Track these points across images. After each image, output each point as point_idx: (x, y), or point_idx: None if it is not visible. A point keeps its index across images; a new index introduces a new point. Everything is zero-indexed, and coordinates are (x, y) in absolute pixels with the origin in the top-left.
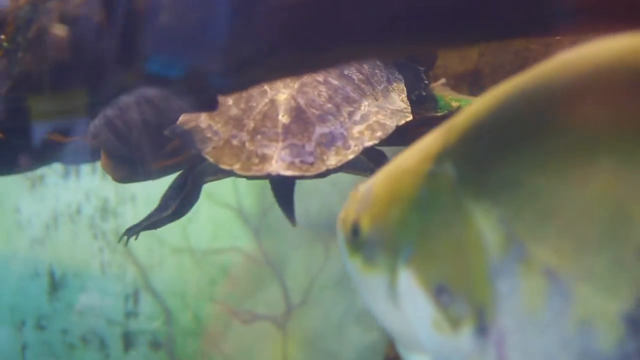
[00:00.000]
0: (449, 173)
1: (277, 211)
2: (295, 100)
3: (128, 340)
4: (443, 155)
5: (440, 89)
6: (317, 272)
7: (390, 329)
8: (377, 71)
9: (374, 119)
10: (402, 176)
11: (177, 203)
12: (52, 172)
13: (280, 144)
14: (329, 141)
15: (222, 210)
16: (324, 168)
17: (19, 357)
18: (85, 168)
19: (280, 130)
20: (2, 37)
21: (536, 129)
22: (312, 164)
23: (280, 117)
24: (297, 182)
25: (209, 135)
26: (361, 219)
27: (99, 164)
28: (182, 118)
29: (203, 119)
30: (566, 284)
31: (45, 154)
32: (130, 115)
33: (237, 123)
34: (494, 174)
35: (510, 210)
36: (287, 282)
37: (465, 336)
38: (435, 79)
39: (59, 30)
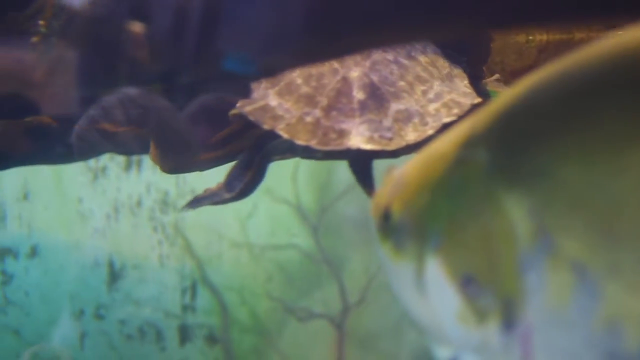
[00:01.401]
0: (481, 160)
1: (336, 209)
2: (368, 77)
3: (184, 334)
4: (476, 142)
5: (493, 84)
6: (375, 272)
7: (416, 319)
8: (439, 57)
9: (448, 97)
10: (433, 161)
11: (243, 184)
12: (114, 164)
13: (358, 120)
14: (405, 117)
15: (281, 206)
16: (403, 143)
17: (78, 345)
18: (147, 161)
19: (356, 106)
20: (41, 22)
21: (572, 117)
22: (390, 139)
23: (354, 93)
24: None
25: (280, 112)
26: (392, 204)
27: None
28: (242, 101)
29: (272, 97)
30: (595, 280)
31: (123, 143)
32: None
33: (309, 100)
34: (527, 162)
35: (541, 200)
36: (345, 281)
37: (491, 330)
38: (492, 75)
39: (136, 27)
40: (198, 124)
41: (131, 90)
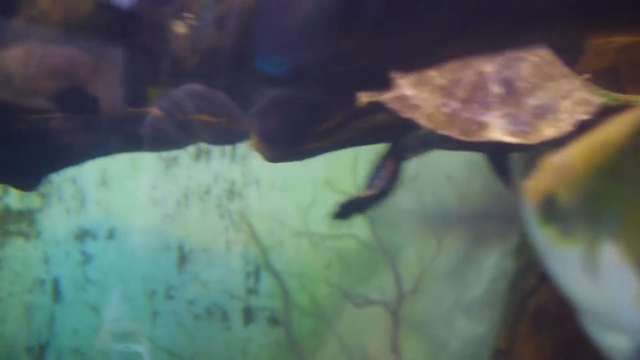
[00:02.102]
0: None
1: (393, 201)
2: (503, 72)
3: (248, 315)
4: None
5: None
6: (429, 263)
7: (583, 304)
8: (554, 57)
9: (578, 95)
10: (604, 148)
11: (383, 182)
12: (185, 153)
13: (497, 112)
14: (541, 113)
15: (341, 197)
16: (542, 138)
17: (149, 324)
18: (216, 151)
19: (494, 99)
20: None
21: None
22: (529, 133)
23: (491, 87)
24: (414, 174)
25: (417, 102)
26: (557, 189)
27: (228, 148)
28: (368, 94)
29: (407, 87)
30: None
31: (195, 132)
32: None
33: (446, 92)
34: None
35: None
36: (400, 270)
37: None
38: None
39: (180, 28)
40: (304, 115)
41: (197, 86)
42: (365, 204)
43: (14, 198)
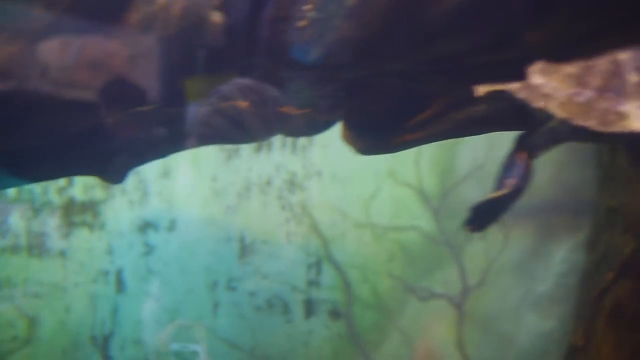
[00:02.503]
0: None
1: (458, 192)
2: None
3: (309, 308)
4: None
5: None
6: (496, 256)
7: None
8: None
9: None
10: None
11: (516, 180)
12: (246, 145)
13: (637, 102)
14: None
15: (404, 189)
16: None
17: (211, 314)
18: (277, 143)
19: (632, 88)
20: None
21: None
22: None
23: (628, 75)
24: (479, 165)
25: (548, 91)
26: None
27: (289, 139)
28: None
29: (536, 75)
30: None
31: (276, 124)
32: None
33: (578, 80)
34: None
35: None
36: (465, 263)
37: None
38: None
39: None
40: (396, 108)
41: (246, 80)
42: (500, 205)
43: (79, 190)
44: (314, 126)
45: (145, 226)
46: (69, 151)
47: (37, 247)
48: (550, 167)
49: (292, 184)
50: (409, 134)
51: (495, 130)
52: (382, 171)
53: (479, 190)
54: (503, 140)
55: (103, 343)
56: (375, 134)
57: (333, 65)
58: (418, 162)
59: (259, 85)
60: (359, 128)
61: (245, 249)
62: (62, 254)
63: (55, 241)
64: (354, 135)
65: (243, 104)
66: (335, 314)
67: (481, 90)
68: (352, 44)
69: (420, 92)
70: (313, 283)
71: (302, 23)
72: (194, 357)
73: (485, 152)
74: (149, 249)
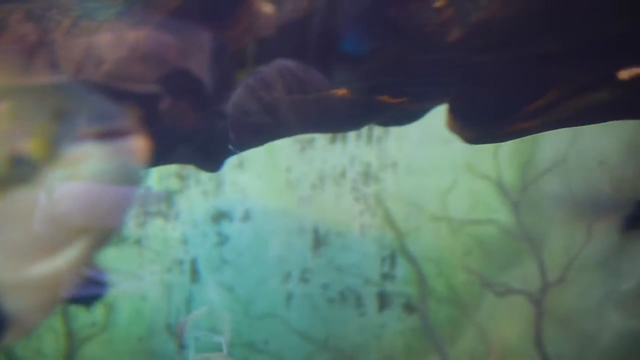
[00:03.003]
0: None
1: (539, 186)
2: None
3: (383, 301)
4: None
5: None
6: (578, 252)
7: None
8: None
9: None
10: None
11: None
12: (321, 135)
13: None
14: None
15: (482, 181)
16: None
17: (283, 306)
18: (352, 133)
19: None
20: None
21: None
22: None
23: None
24: (562, 158)
25: None
26: None
27: (364, 130)
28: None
29: None
30: None
31: (372, 113)
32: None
33: None
34: None
35: None
36: (544, 259)
37: None
38: None
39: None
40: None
41: (288, 62)
42: None
43: (154, 180)
44: (407, 115)
45: (219, 216)
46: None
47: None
48: (638, 159)
49: (367, 176)
50: (523, 122)
51: (626, 118)
52: (459, 163)
53: (561, 184)
54: (587, 132)
55: (180, 329)
56: (486, 122)
57: (470, 48)
58: (497, 154)
59: (302, 68)
60: (467, 116)
61: (318, 241)
62: (139, 242)
63: (132, 230)
64: (461, 123)
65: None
66: (409, 307)
67: (624, 74)
68: (499, 24)
69: (538, 78)
70: (387, 276)
71: (439, 3)
72: (216, 348)
73: (568, 144)
74: (222, 239)
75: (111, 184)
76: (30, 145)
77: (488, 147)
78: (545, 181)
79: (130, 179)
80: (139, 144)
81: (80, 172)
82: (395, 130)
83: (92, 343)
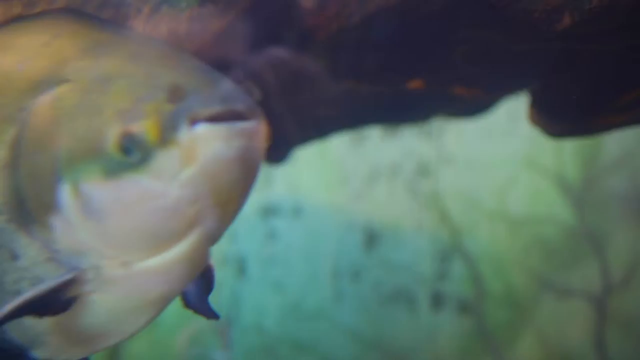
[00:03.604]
0: None
1: (604, 182)
2: None
3: (437, 301)
4: None
5: None
6: None
7: None
8: None
9: None
10: None
11: None
12: (374, 129)
13: None
14: None
15: (542, 178)
16: None
17: (333, 304)
18: (408, 127)
19: None
20: None
21: None
22: None
23: None
24: (628, 153)
25: None
26: None
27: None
28: None
29: None
30: None
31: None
32: None
33: None
34: None
35: None
36: (608, 259)
37: None
38: None
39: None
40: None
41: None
42: None
43: None
44: (474, 108)
45: (270, 212)
46: None
47: None
48: None
49: (422, 171)
50: (615, 116)
51: None
52: (519, 158)
53: (628, 181)
54: None
55: (224, 328)
56: (574, 115)
57: (579, 36)
58: (559, 149)
59: (296, 59)
60: (553, 108)
61: (370, 238)
62: None
63: None
64: (546, 116)
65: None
66: (464, 308)
67: None
68: (622, 8)
69: (633, 69)
70: (442, 275)
71: None
72: None
73: (635, 139)
74: (272, 235)
75: (231, 171)
76: (143, 127)
77: (550, 142)
78: (610, 178)
79: (250, 165)
80: (259, 127)
81: (198, 157)
82: (453, 125)
83: (136, 339)
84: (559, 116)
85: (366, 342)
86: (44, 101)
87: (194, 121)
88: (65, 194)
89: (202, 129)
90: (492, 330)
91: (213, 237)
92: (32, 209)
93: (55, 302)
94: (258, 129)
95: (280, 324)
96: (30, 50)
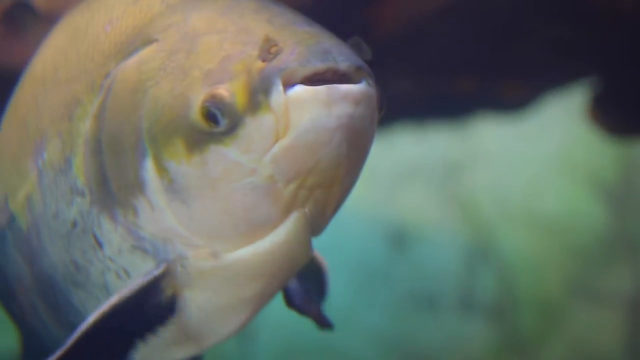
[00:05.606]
0: None
1: None
2: None
3: (466, 307)
4: None
5: None
6: None
7: None
8: None
9: None
10: None
11: None
12: (403, 127)
13: None
14: None
15: (578, 180)
16: None
17: (361, 308)
18: (438, 125)
19: None
20: None
21: None
22: None
23: None
24: None
25: None
26: None
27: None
28: None
29: None
30: None
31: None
32: None
33: None
34: None
35: None
36: None
37: None
38: None
39: None
40: None
41: None
42: None
43: None
44: (522, 102)
45: None
46: None
47: None
48: None
49: (453, 172)
50: None
51: None
52: (554, 158)
53: None
54: None
55: (246, 331)
56: (635, 112)
57: None
58: (596, 149)
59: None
60: (616, 105)
61: (398, 240)
62: None
63: None
64: (607, 113)
65: None
66: (494, 314)
67: None
68: None
69: None
70: (472, 280)
71: None
72: None
73: None
74: None
75: (335, 144)
76: (230, 89)
77: (586, 141)
78: None
79: (358, 137)
80: (369, 91)
81: (294, 126)
82: (486, 123)
83: None
84: (622, 113)
85: (393, 348)
86: (129, 65)
87: (289, 82)
88: (149, 171)
89: (300, 91)
90: (524, 337)
91: (315, 225)
92: (115, 188)
93: (153, 305)
94: (367, 93)
95: (302, 326)
96: (118, 10)
